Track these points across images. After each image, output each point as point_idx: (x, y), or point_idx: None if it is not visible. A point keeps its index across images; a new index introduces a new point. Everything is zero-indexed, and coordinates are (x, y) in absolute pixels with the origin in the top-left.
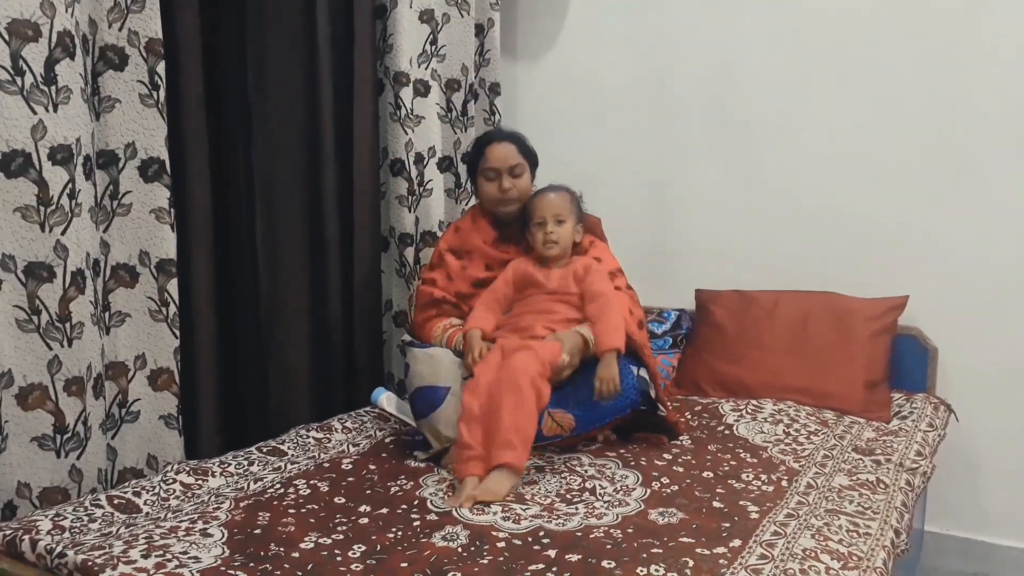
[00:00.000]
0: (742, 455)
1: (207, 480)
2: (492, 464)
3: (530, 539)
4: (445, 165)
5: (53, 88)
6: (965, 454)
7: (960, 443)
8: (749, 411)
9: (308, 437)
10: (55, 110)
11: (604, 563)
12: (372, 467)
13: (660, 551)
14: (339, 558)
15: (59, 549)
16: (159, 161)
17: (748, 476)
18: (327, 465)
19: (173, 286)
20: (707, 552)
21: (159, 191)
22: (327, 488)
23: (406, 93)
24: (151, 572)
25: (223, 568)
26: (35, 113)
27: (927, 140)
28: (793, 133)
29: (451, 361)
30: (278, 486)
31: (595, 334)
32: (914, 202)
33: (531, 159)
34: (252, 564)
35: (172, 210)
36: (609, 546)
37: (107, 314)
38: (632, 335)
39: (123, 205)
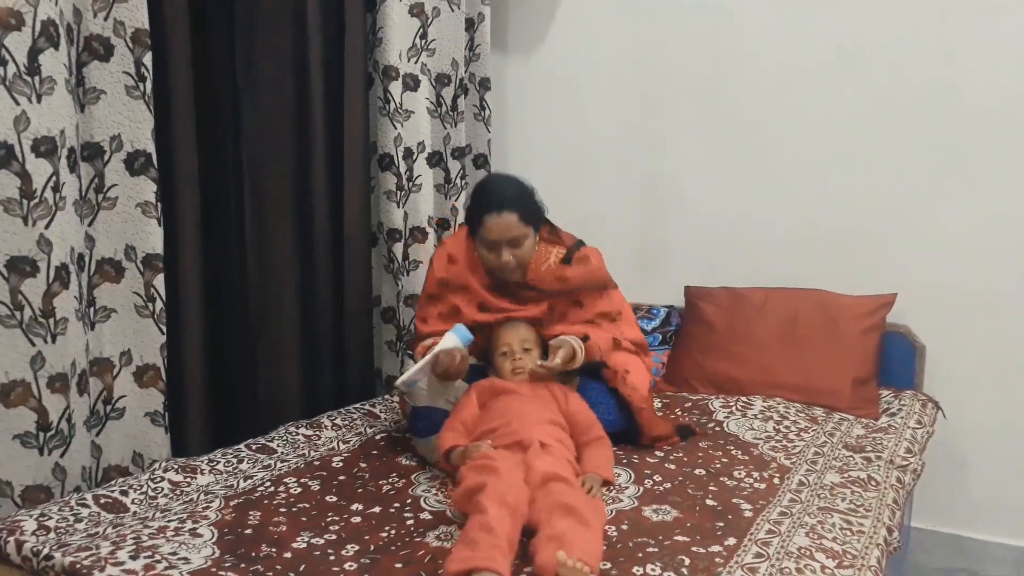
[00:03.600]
0: (733, 452)
1: (196, 478)
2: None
3: (524, 539)
4: (435, 160)
5: (36, 79)
6: (952, 450)
7: (947, 439)
8: (739, 407)
9: (298, 435)
10: (38, 101)
11: (600, 563)
12: (363, 465)
13: (655, 549)
14: (332, 558)
15: (46, 551)
16: (145, 154)
17: (740, 473)
18: (317, 463)
19: (160, 281)
20: (703, 550)
21: (145, 185)
22: (318, 487)
23: (395, 87)
24: (140, 573)
25: (214, 569)
26: (18, 104)
27: (918, 138)
28: (784, 130)
29: (456, 383)
30: (268, 484)
31: (592, 468)
32: (904, 200)
33: (535, 221)
34: (243, 565)
35: (159, 204)
36: (605, 545)
37: (92, 309)
38: (636, 400)
39: (108, 199)
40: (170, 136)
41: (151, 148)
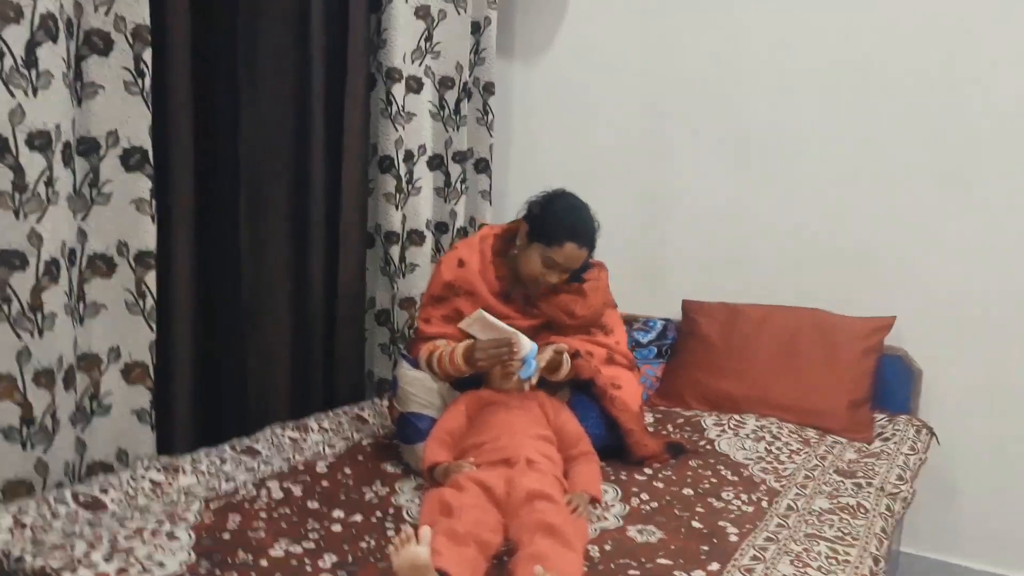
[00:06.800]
0: (723, 472)
1: (177, 478)
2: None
3: (506, 557)
4: (435, 163)
5: (34, 72)
6: (944, 476)
7: (940, 465)
8: (731, 426)
9: (283, 437)
10: (35, 94)
11: None
12: (348, 471)
13: (638, 573)
14: (309, 568)
15: (16, 553)
16: (142, 151)
17: (728, 495)
18: (301, 467)
19: (151, 278)
20: (685, 575)
21: (141, 181)
22: (300, 492)
23: (398, 89)
24: None
25: (187, 575)
26: (14, 97)
27: (923, 159)
28: (790, 147)
29: (444, 389)
30: (250, 487)
31: (580, 485)
32: (907, 222)
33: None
34: (218, 572)
35: (153, 201)
36: (586, 567)
37: (81, 304)
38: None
39: (103, 194)
40: (167, 133)
41: (148, 144)
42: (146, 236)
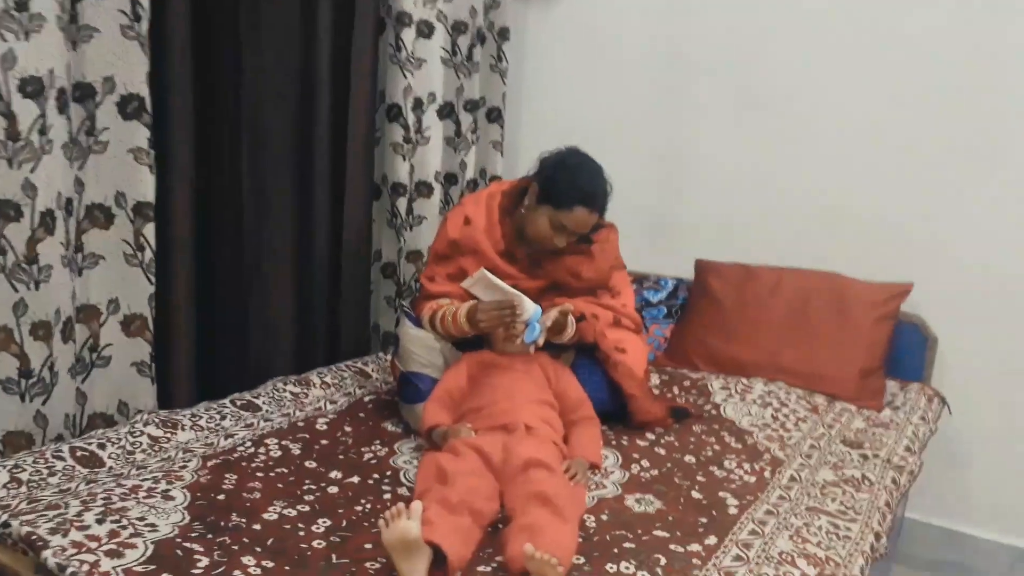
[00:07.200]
0: (727, 439)
1: (176, 434)
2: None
3: (500, 525)
4: (446, 112)
5: (25, 14)
6: (954, 444)
7: (950, 434)
8: (738, 390)
9: (284, 391)
10: (27, 38)
11: (574, 558)
12: (348, 429)
13: (632, 545)
14: (301, 532)
15: (4, 518)
16: (139, 98)
17: (731, 464)
18: (302, 424)
19: (150, 230)
20: (681, 549)
21: (138, 130)
22: (299, 451)
23: (408, 34)
24: (103, 541)
25: (179, 539)
26: (5, 41)
27: (950, 123)
28: (812, 105)
29: (446, 348)
30: (249, 444)
31: (579, 450)
32: (928, 190)
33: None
34: (210, 536)
35: (151, 151)
36: (581, 537)
37: (80, 255)
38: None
39: (100, 142)
40: (166, 80)
41: (145, 92)
42: (144, 187)
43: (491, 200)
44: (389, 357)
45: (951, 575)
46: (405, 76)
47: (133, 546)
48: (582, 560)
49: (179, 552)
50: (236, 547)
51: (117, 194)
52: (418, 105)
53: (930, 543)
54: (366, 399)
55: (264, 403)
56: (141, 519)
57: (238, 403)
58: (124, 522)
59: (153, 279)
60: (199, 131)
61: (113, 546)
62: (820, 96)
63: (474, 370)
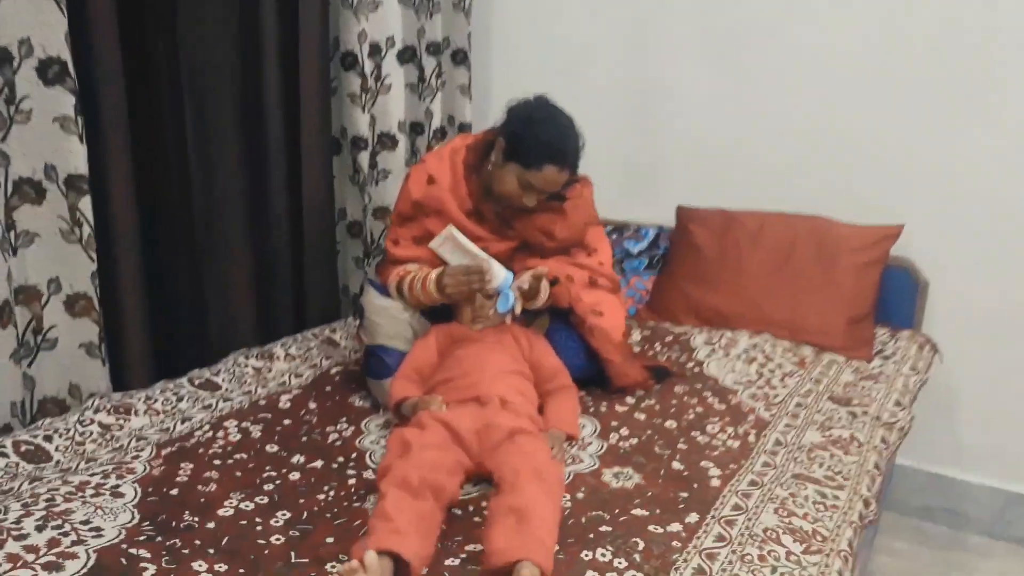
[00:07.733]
0: (710, 400)
1: (129, 419)
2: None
3: (471, 508)
4: (407, 56)
5: None
6: (946, 390)
7: (941, 379)
8: (722, 345)
9: (246, 367)
10: None
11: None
12: (312, 406)
13: (609, 528)
14: (259, 528)
15: None
16: (60, 61)
17: (714, 427)
18: (263, 402)
19: (86, 204)
20: (660, 530)
21: (63, 96)
22: (260, 433)
23: None
24: (41, 552)
25: (124, 546)
26: None
27: (938, 54)
28: (790, 42)
29: (414, 319)
30: (207, 428)
31: (555, 422)
32: (919, 122)
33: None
34: (160, 538)
35: (79, 118)
36: None
37: (12, 233)
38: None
39: (21, 111)
40: (89, 39)
41: (66, 55)
42: (75, 158)
43: (455, 156)
44: (357, 321)
45: (942, 520)
46: (359, 20)
47: (74, 556)
48: (556, 548)
49: (123, 560)
50: (187, 550)
51: (47, 167)
52: (376, 51)
53: (920, 489)
54: (333, 371)
55: (224, 380)
56: (86, 523)
57: (196, 382)
58: (67, 528)
59: (94, 256)
60: (132, 93)
61: (52, 557)
62: (803, 27)
63: (444, 342)
